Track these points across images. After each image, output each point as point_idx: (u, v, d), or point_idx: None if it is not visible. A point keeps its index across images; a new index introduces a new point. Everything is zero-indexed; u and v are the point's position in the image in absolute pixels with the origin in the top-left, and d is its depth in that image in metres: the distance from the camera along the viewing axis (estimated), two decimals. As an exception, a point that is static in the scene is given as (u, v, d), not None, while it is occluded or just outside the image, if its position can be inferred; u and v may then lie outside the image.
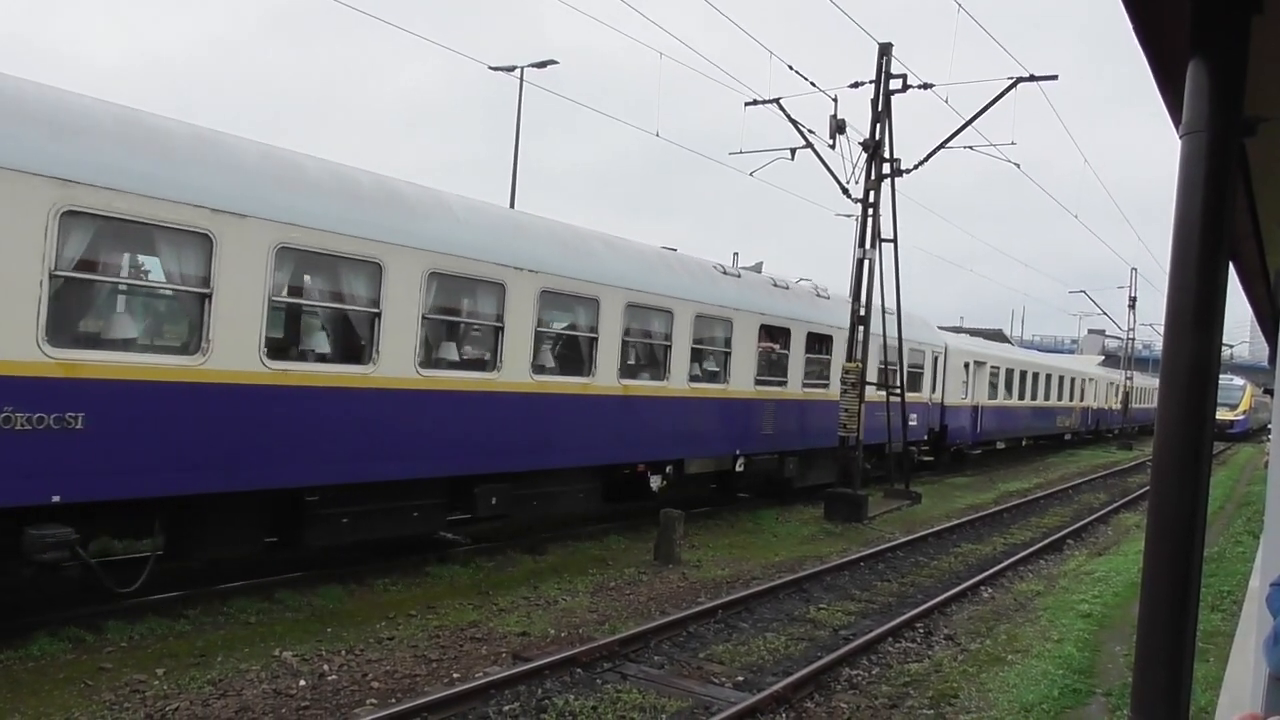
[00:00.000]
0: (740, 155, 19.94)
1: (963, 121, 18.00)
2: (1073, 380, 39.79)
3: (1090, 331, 76.44)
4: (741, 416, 15.56)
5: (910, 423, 20.74)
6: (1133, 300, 52.38)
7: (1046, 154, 35.32)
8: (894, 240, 18.96)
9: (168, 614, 8.56)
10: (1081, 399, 41.36)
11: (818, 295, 18.85)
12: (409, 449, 9.85)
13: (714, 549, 13.77)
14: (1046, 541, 16.12)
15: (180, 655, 7.69)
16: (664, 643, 8.97)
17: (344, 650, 8.13)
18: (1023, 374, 32.63)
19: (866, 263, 18.42)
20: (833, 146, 18.21)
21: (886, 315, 19.14)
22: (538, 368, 11.55)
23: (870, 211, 18.36)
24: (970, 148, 19.00)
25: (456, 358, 10.87)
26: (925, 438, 23.42)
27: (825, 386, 18.38)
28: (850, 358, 18.20)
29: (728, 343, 15.18)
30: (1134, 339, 53.24)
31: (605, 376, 12.48)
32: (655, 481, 14.00)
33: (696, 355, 14.55)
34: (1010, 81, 17.34)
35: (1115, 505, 22.16)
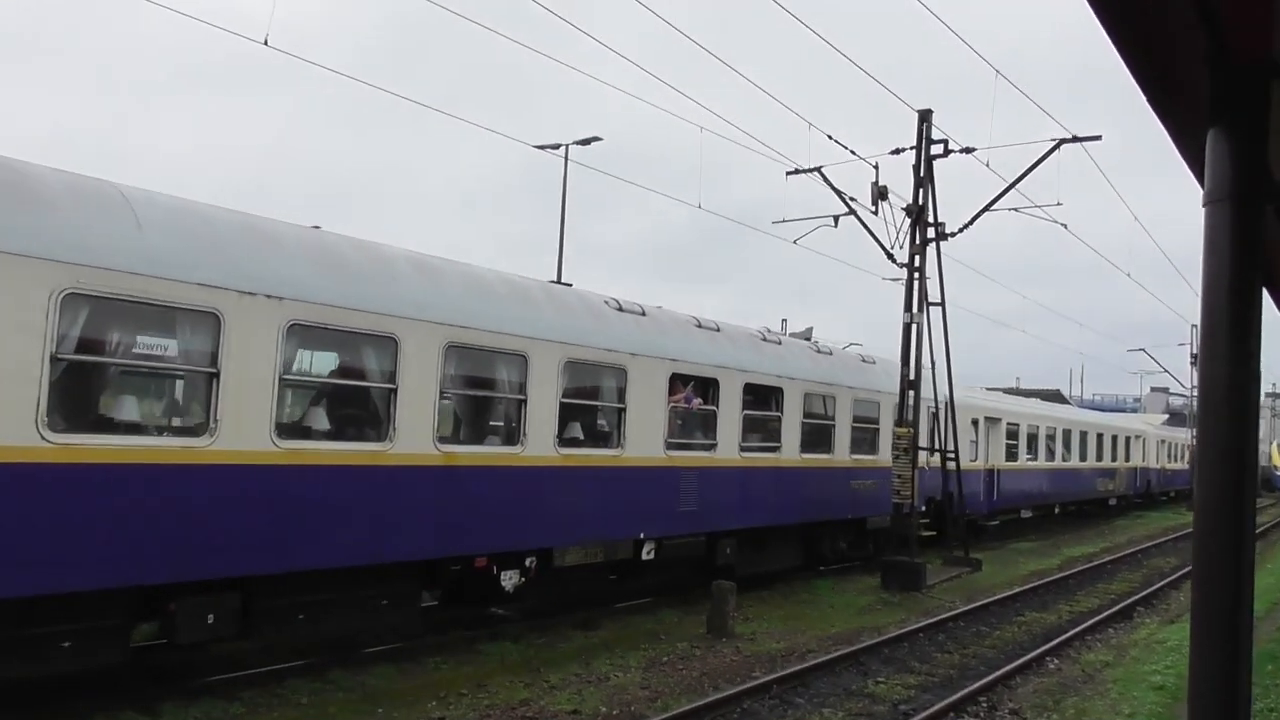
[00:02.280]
0: (784, 224, 20.05)
1: (1006, 184, 17.98)
2: (1115, 438, 36.00)
3: (1153, 389, 74.73)
4: (645, 490, 12.34)
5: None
6: (1194, 357, 51.19)
7: (1094, 213, 34.93)
8: (941, 304, 18.85)
9: (223, 695, 8.62)
10: (1128, 459, 37.76)
11: (816, 349, 16.98)
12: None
13: (768, 621, 13.53)
14: (1115, 609, 15.58)
15: (234, 738, 7.71)
16: (718, 720, 8.80)
17: (395, 731, 8.09)
18: (1050, 432, 29.20)
19: (915, 327, 18.30)
20: (875, 213, 18.27)
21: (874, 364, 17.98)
22: (289, 429, 8.72)
23: (916, 276, 18.30)
24: (1015, 210, 18.94)
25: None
26: (924, 509, 19.52)
27: (812, 451, 16.00)
28: (901, 423, 17.97)
29: (621, 396, 12.06)
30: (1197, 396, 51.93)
31: (412, 440, 9.36)
32: (509, 578, 10.76)
33: (572, 413, 11.55)
34: (1054, 143, 17.35)
35: (1186, 570, 21.39)
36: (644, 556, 12.61)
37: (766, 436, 15.01)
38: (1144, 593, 17.42)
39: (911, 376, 18.15)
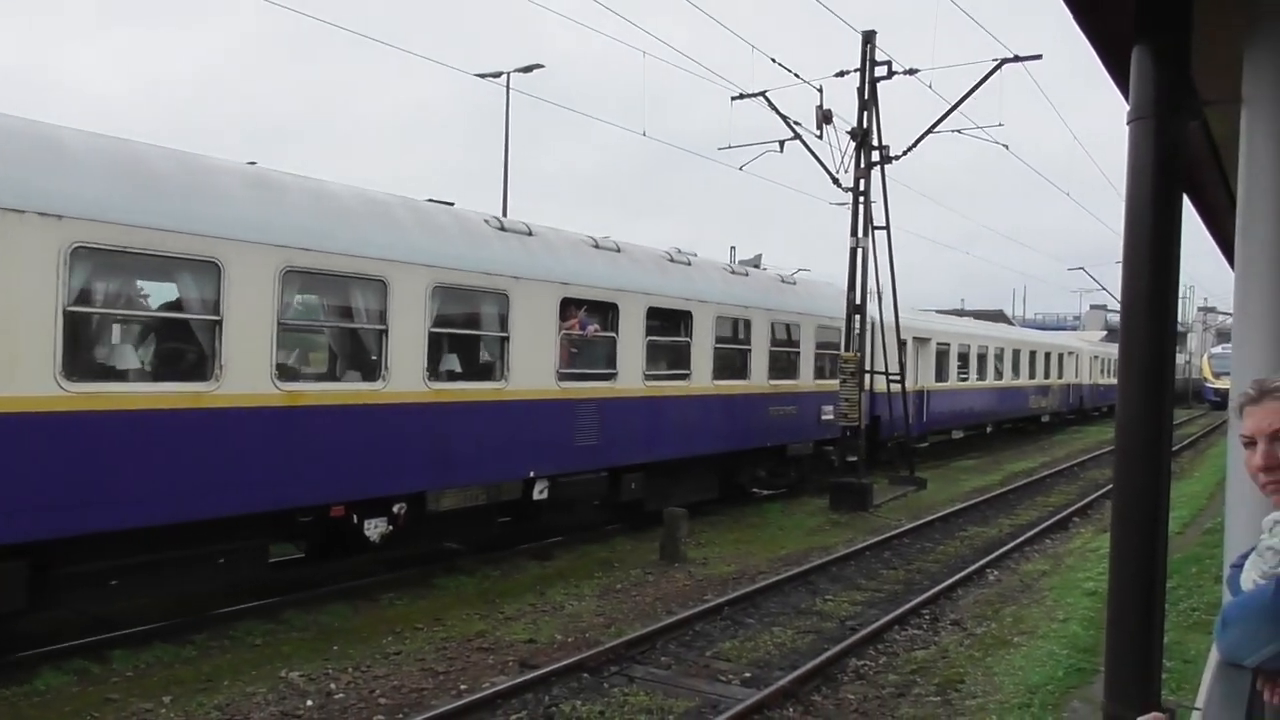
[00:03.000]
0: (729, 150, 19.92)
1: (949, 106, 18.00)
2: (1048, 355, 35.80)
3: (1092, 307, 76.38)
4: (535, 425, 11.39)
5: (825, 416, 17.73)
6: (1130, 272, 52.24)
7: (1036, 134, 35.04)
8: (886, 227, 18.97)
9: (174, 640, 8.58)
10: (1061, 376, 37.56)
11: (730, 270, 16.07)
12: None
13: (720, 545, 13.78)
14: (1052, 520, 16.12)
15: (187, 682, 7.71)
16: (671, 643, 8.98)
17: (351, 668, 8.15)
18: (982, 351, 28.75)
19: (860, 251, 18.42)
20: (820, 137, 18.23)
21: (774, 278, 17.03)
22: (86, 369, 7.58)
23: (861, 200, 18.36)
24: (958, 131, 19.01)
25: None
26: (846, 434, 18.65)
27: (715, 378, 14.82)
28: (848, 347, 18.20)
29: (504, 323, 10.98)
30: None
31: (244, 379, 8.31)
32: (375, 527, 9.80)
33: (447, 344, 10.60)
34: (995, 63, 17.36)
35: (1121, 480, 22.12)
36: (536, 496, 11.65)
37: (675, 363, 14.21)
38: (1079, 504, 18.02)
39: (858, 301, 18.33)
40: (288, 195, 9.09)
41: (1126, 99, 2.60)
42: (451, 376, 10.64)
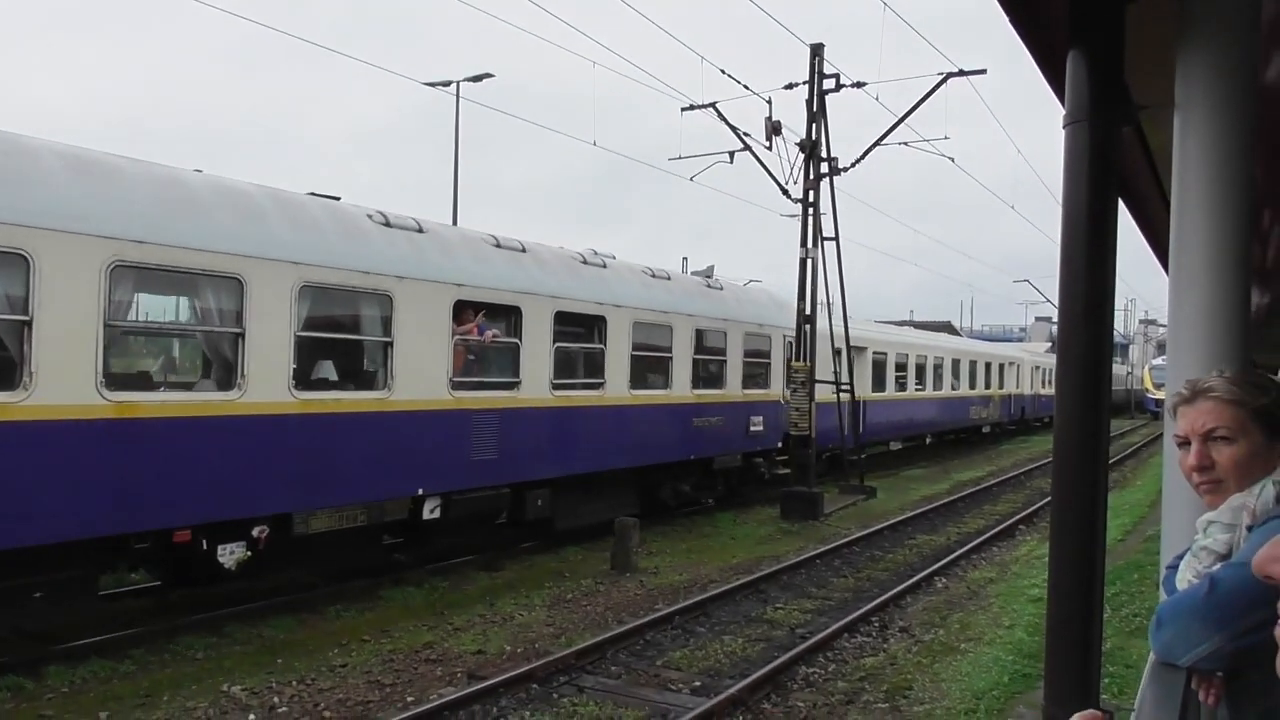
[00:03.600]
0: (680, 160, 20.00)
1: (896, 119, 18.25)
2: (989, 365, 35.33)
3: (1037, 319, 77.70)
4: (424, 438, 10.46)
5: (754, 428, 17.15)
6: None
7: (981, 148, 35.71)
8: (835, 238, 19.17)
9: (111, 655, 8.35)
10: (1002, 385, 37.05)
11: (651, 274, 15.03)
12: None
13: (672, 555, 13.76)
14: (999, 528, 16.33)
15: (125, 698, 7.50)
16: (621, 652, 8.94)
17: (295, 681, 7.99)
18: (921, 361, 28.15)
19: (810, 261, 18.58)
20: (769, 148, 18.39)
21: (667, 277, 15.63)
22: None
23: (811, 211, 18.53)
24: (905, 144, 19.28)
25: None
26: (779, 445, 18.33)
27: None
28: (798, 356, 18.33)
29: (388, 327, 10.07)
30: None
31: (60, 388, 7.36)
32: (230, 553, 8.82)
33: (320, 349, 9.77)
34: (941, 77, 17.64)
35: (1066, 488, 22.47)
36: (427, 515, 10.73)
37: (588, 372, 13.41)
38: (1025, 512, 18.28)
39: (808, 311, 18.47)
40: (119, 181, 8.08)
41: (1062, 104, 2.63)
42: (325, 385, 9.73)
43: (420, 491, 10.55)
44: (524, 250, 12.35)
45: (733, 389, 16.67)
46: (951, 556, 13.67)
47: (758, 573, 12.31)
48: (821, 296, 18.90)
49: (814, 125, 18.40)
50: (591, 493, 13.56)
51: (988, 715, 7.32)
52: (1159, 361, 57.30)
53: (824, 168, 18.64)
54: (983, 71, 17.73)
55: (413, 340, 10.31)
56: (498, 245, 12.01)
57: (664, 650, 9.10)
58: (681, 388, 15.22)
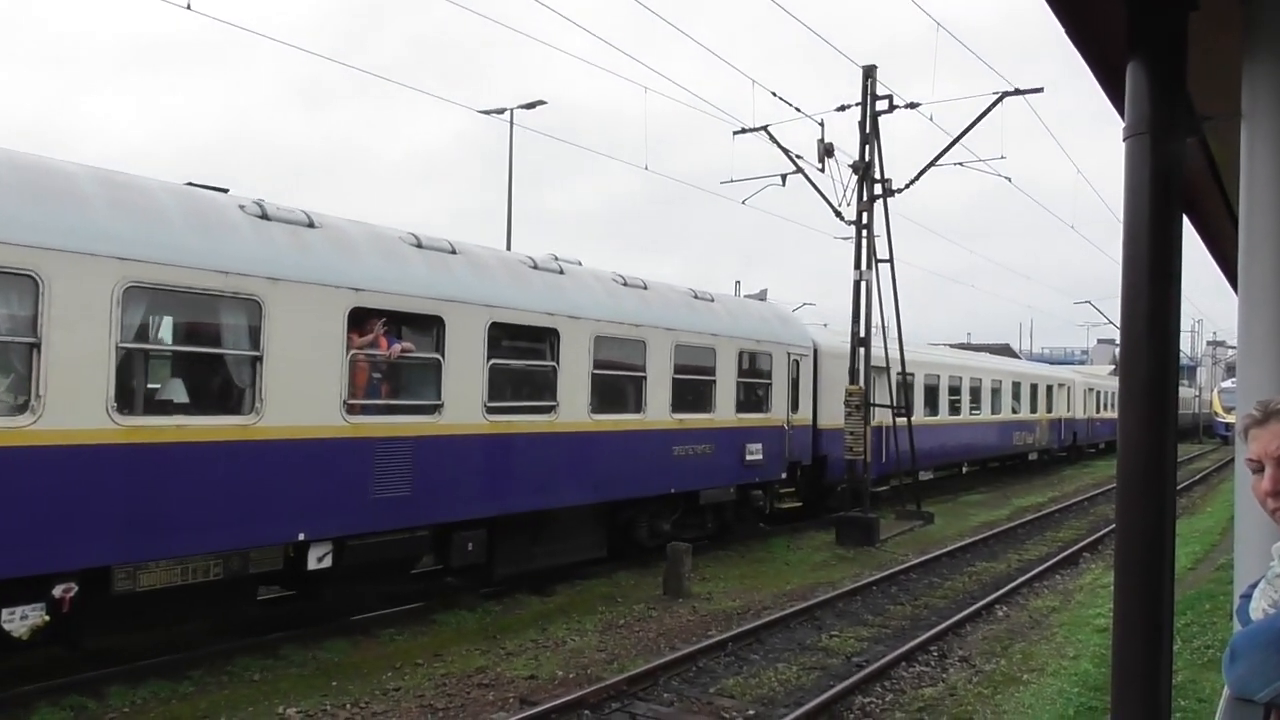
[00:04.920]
0: (732, 184, 19.98)
1: (950, 139, 18.06)
2: (1034, 387, 32.90)
3: (1099, 341, 76.25)
4: (307, 472, 8.80)
5: (751, 456, 15.37)
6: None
7: (1039, 168, 34.98)
8: (890, 260, 18.97)
9: (171, 676, 8.47)
10: (1050, 409, 34.68)
11: (623, 282, 13.29)
12: None
13: (724, 580, 13.62)
14: (1062, 556, 15.91)
15: (183, 718, 7.60)
16: (673, 679, 8.84)
17: (349, 704, 8.03)
18: (955, 383, 25.76)
19: (864, 283, 18.41)
20: (822, 170, 18.31)
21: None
22: None
23: (864, 233, 18.37)
24: (960, 164, 19.05)
25: None
26: (782, 475, 16.58)
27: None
28: (853, 381, 18.14)
29: (256, 340, 8.43)
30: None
31: None
32: (20, 618, 7.04)
33: (161, 367, 8.72)
34: (996, 96, 17.42)
35: (1131, 515, 21.86)
36: (314, 565, 9.00)
37: (536, 393, 11.63)
38: (1089, 539, 17.80)
39: (862, 334, 18.29)
40: None
41: (1122, 116, 2.56)
42: (169, 409, 8.19)
43: (302, 537, 8.79)
44: (453, 252, 10.67)
45: (724, 413, 14.85)
46: (1013, 584, 13.34)
47: (812, 599, 12.13)
48: (876, 320, 18.70)
49: (867, 146, 18.28)
50: (543, 534, 11.82)
51: (1052, 749, 7.09)
52: (1228, 384, 55.63)
53: (877, 189, 18.49)
54: (1039, 90, 17.48)
55: (291, 355, 8.62)
56: (418, 245, 10.31)
57: (717, 677, 8.98)
58: (659, 411, 13.37)
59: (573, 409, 11.83)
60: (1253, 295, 2.52)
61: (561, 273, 12.21)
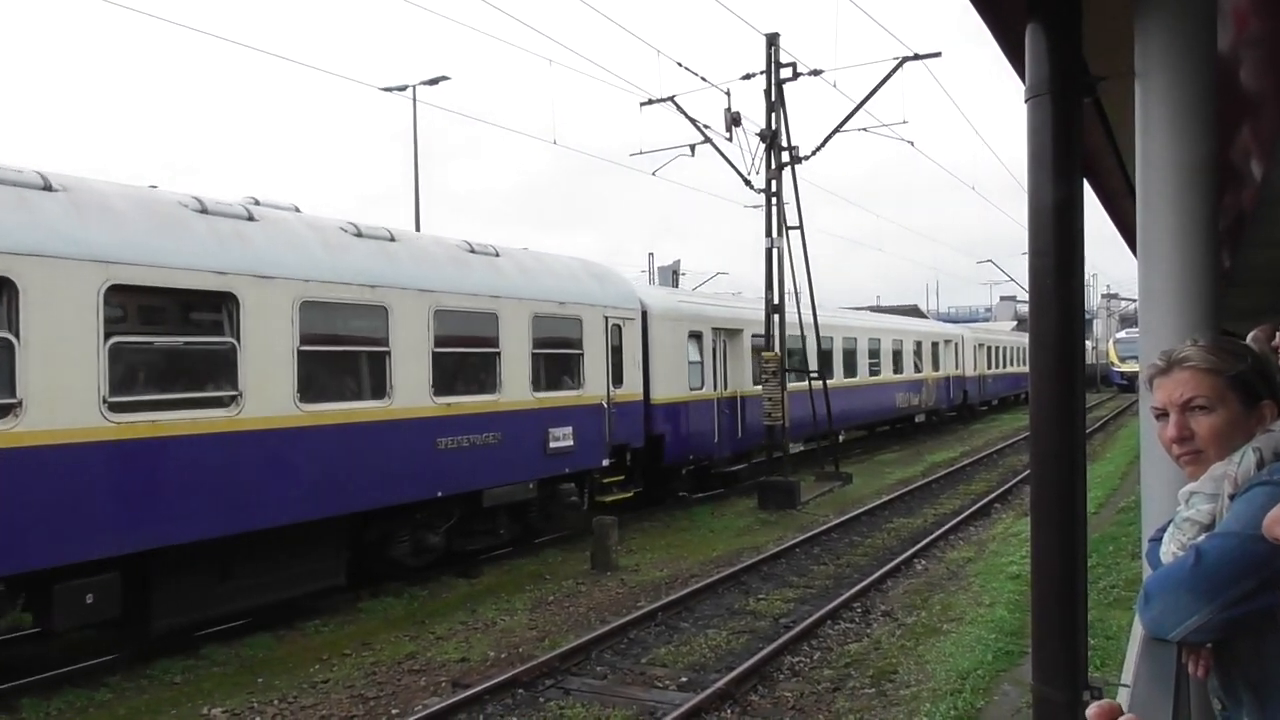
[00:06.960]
0: (641, 156, 19.92)
1: (854, 105, 18.31)
2: (919, 344, 30.55)
3: (1002, 299, 78.53)
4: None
5: (556, 443, 12.86)
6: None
7: (940, 132, 35.68)
8: (800, 227, 19.19)
9: (86, 684, 8.18)
10: (938, 368, 32.42)
11: (357, 231, 10.36)
12: None
13: (651, 551, 13.72)
14: (975, 508, 16.45)
15: (101, 726, 7.36)
16: (606, 652, 8.89)
17: (276, 699, 7.87)
18: (826, 344, 22.43)
19: (775, 250, 18.60)
20: (730, 139, 18.38)
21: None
22: None
23: (774, 201, 18.55)
24: (865, 130, 19.32)
25: None
26: (605, 463, 14.12)
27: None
28: (768, 347, 18.37)
29: None
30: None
31: None
32: None
33: None
34: (897, 61, 17.69)
35: (1038, 465, 22.65)
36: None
37: (199, 381, 8.64)
38: (1000, 490, 18.43)
39: (775, 300, 18.50)
40: None
41: (1022, 79, 2.61)
42: None
43: None
44: (58, 190, 7.59)
45: (514, 393, 12.19)
46: (930, 538, 13.75)
47: (738, 564, 12.30)
48: (789, 286, 18.90)
49: (773, 115, 18.41)
50: (239, 565, 9.01)
51: (973, 694, 7.35)
52: (1123, 335, 58.12)
53: (785, 157, 18.65)
54: (938, 54, 17.81)
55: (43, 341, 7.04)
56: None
57: (649, 648, 9.06)
58: (411, 396, 10.58)
59: (267, 397, 8.94)
60: (1151, 248, 2.61)
61: (250, 219, 9.19)
